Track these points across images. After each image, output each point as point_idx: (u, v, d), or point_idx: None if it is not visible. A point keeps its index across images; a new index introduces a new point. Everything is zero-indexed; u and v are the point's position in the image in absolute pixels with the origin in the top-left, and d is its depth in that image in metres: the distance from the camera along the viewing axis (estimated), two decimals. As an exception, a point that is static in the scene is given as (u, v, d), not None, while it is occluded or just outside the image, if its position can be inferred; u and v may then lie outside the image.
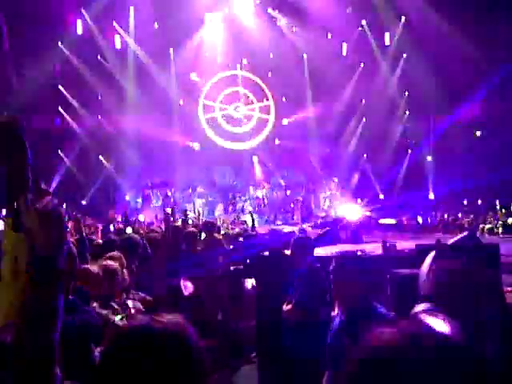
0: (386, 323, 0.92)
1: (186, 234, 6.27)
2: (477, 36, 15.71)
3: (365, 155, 20.07)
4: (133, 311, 3.87)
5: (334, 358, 3.32)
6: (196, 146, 19.27)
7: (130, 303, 3.99)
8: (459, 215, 16.28)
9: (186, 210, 10.74)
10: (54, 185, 16.12)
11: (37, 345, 1.42)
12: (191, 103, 19.69)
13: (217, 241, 6.61)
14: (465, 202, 18.08)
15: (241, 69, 19.92)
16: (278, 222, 16.66)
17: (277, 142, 20.27)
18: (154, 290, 4.69)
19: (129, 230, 8.86)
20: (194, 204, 17.21)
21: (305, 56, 19.65)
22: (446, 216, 16.45)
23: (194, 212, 16.14)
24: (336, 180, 19.03)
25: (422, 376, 0.81)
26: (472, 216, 15.42)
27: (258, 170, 19.75)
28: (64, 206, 12.09)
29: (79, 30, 17.03)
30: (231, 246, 6.83)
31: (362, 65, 19.66)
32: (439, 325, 1.42)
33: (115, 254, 4.20)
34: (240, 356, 5.94)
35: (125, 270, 4.06)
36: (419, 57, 17.81)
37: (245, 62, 19.78)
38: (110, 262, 4.04)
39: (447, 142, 18.10)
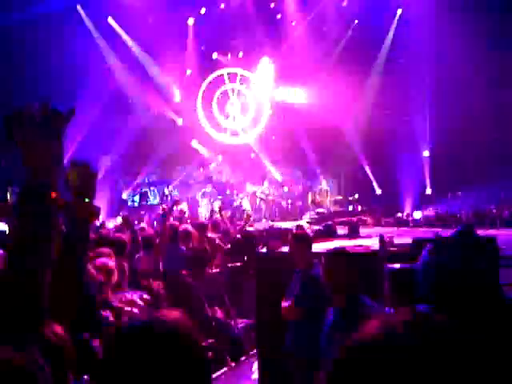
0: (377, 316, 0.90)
1: (181, 233, 6.27)
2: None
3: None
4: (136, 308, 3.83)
5: (327, 355, 3.28)
6: (194, 142, 19.11)
7: (135, 297, 3.95)
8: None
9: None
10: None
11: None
12: (190, 100, 19.46)
13: (211, 240, 6.60)
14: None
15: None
16: (275, 219, 16.58)
17: (273, 137, 20.12)
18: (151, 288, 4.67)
19: None
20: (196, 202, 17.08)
21: None
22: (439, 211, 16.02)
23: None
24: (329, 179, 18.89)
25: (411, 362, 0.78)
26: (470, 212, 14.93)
27: (255, 166, 19.61)
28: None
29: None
30: (228, 245, 6.81)
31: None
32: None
33: (105, 250, 4.07)
34: (240, 355, 5.93)
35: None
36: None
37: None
38: (105, 260, 3.93)
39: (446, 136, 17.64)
